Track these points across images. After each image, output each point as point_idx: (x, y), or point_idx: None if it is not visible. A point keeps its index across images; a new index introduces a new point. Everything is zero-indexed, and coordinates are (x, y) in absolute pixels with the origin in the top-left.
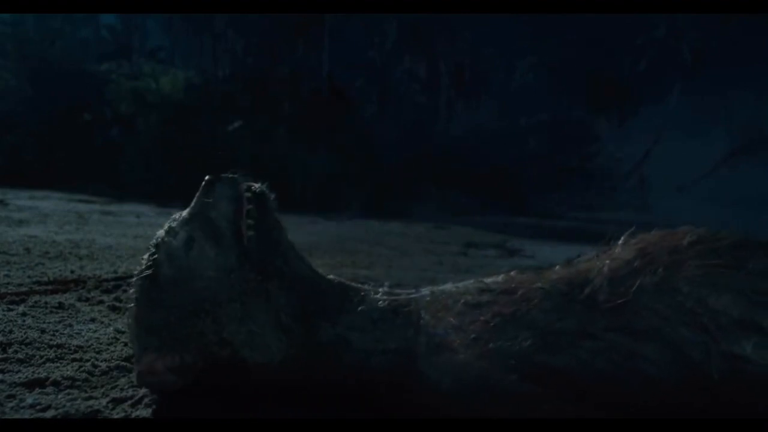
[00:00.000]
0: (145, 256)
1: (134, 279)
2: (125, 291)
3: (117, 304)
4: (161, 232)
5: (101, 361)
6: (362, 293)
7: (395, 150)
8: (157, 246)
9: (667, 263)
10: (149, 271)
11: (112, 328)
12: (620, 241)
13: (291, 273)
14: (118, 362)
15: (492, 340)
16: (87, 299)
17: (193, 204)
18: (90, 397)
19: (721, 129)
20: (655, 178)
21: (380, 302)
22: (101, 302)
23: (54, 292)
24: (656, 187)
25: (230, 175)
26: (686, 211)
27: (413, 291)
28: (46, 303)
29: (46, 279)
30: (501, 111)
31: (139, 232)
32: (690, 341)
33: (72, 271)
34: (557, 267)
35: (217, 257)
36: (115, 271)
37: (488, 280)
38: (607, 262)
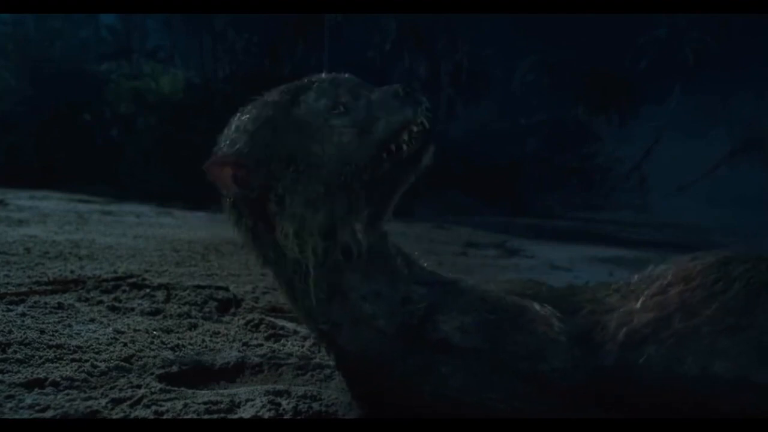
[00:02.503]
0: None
1: (275, 93)
2: (125, 291)
3: (116, 304)
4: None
5: (100, 362)
6: None
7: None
8: (309, 86)
9: (678, 329)
10: (289, 98)
11: (111, 329)
12: (640, 300)
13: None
14: (117, 362)
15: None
16: (86, 299)
17: (375, 91)
18: (89, 398)
19: (721, 129)
20: (655, 178)
21: None
22: (101, 302)
23: (53, 292)
24: (656, 187)
25: (423, 99)
26: (686, 211)
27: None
28: (45, 303)
29: (45, 279)
30: (501, 111)
31: (139, 232)
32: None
33: (72, 271)
34: (579, 313)
35: (349, 143)
36: (115, 271)
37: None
38: (624, 329)
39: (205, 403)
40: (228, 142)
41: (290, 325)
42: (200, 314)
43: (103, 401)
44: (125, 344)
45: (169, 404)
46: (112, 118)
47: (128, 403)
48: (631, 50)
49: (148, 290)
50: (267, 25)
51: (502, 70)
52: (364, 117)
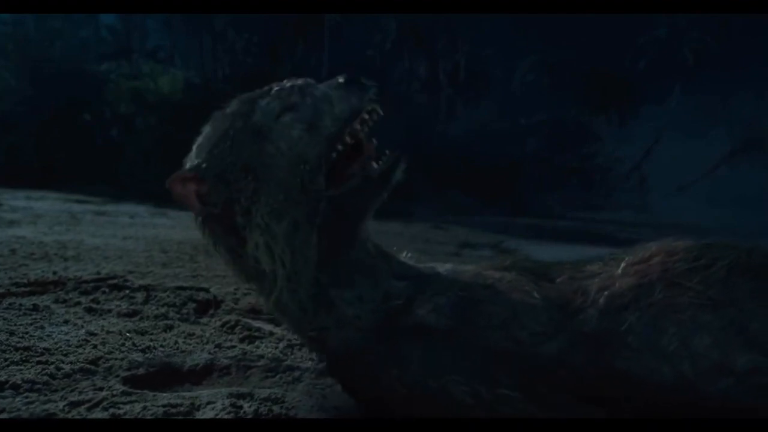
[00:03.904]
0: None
1: (235, 103)
2: (104, 293)
3: (94, 306)
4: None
5: (66, 364)
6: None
7: (395, 150)
8: (265, 94)
9: (659, 299)
10: (247, 107)
11: (84, 330)
12: (621, 266)
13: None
14: (83, 365)
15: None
16: (64, 301)
17: (319, 85)
18: (48, 401)
19: (721, 129)
20: (655, 177)
21: None
22: (78, 304)
23: (31, 293)
24: (656, 187)
25: (372, 85)
26: (686, 211)
27: None
28: (20, 305)
29: (25, 281)
30: (501, 111)
31: (130, 233)
32: (667, 385)
33: (54, 273)
34: (558, 279)
35: (300, 139)
36: (98, 273)
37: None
38: (605, 293)
39: (164, 406)
40: (190, 158)
41: (267, 327)
42: (177, 316)
43: (61, 404)
44: (95, 346)
45: (127, 407)
46: (111, 118)
47: (86, 405)
48: (631, 50)
49: (127, 291)
50: (267, 25)
51: (502, 70)
52: (312, 112)
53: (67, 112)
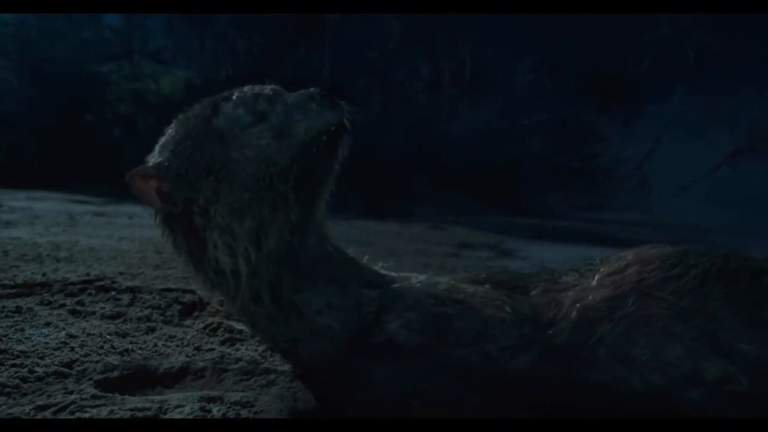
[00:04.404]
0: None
1: (197, 106)
2: (90, 294)
3: (78, 307)
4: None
5: (40, 367)
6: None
7: (397, 149)
8: (229, 98)
9: (632, 310)
10: (209, 110)
11: (64, 333)
12: (596, 277)
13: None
14: (57, 368)
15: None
16: (49, 303)
17: (291, 95)
18: (16, 404)
19: (725, 128)
20: (657, 177)
21: None
22: (62, 306)
23: (17, 295)
24: (658, 187)
25: (343, 104)
26: (688, 211)
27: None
28: (3, 307)
29: (11, 282)
30: (503, 111)
31: (126, 234)
32: (639, 395)
33: (44, 274)
34: (533, 291)
35: (268, 146)
36: (88, 274)
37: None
38: (578, 305)
39: (131, 410)
40: (152, 156)
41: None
42: (161, 318)
43: (28, 408)
44: (73, 349)
45: (94, 411)
46: (113, 118)
47: (53, 409)
48: (633, 50)
49: (114, 293)
50: (268, 26)
51: (504, 70)
52: (282, 120)
53: (68, 113)
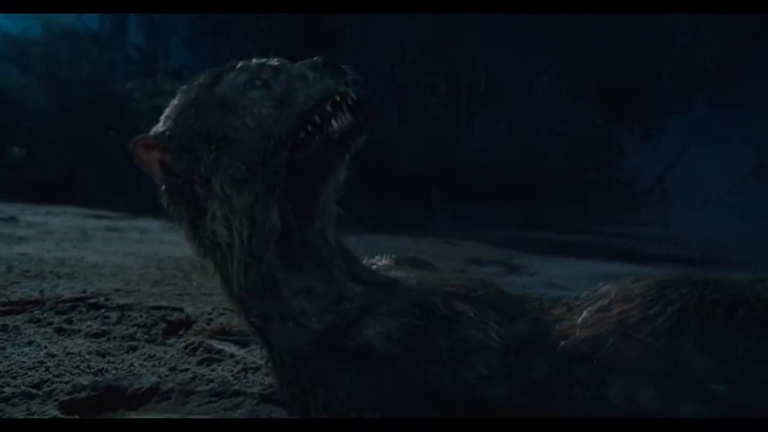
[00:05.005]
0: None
1: (201, 76)
2: (81, 312)
3: (65, 326)
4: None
5: (11, 387)
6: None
7: (413, 163)
8: (232, 67)
9: (611, 352)
10: (211, 78)
11: (44, 352)
12: (583, 315)
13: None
14: (26, 388)
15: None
16: (38, 321)
17: (296, 64)
18: None
19: (749, 141)
20: (680, 191)
21: None
22: (50, 324)
23: (8, 313)
24: (680, 201)
25: (346, 69)
26: (711, 226)
27: None
28: None
29: (7, 300)
30: (521, 124)
31: (132, 250)
32: None
33: (41, 291)
34: (522, 319)
35: (268, 116)
36: (84, 291)
37: None
38: (561, 343)
39: None
40: (156, 127)
41: (230, 349)
42: (145, 336)
43: None
44: (48, 368)
45: None
46: (134, 134)
47: None
48: (652, 61)
49: (103, 311)
50: (286, 42)
51: (522, 83)
52: (284, 90)
53: (92, 129)
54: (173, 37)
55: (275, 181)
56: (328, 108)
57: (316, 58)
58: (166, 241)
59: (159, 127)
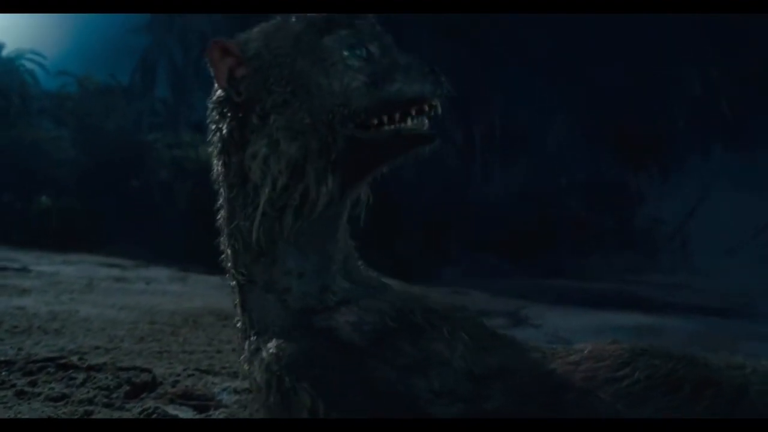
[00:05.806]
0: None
1: (313, 16)
2: (48, 373)
3: (27, 388)
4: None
5: None
6: None
7: (429, 212)
8: (350, 24)
9: (568, 399)
10: (324, 24)
11: None
12: (555, 362)
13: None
14: None
15: None
16: (2, 383)
17: (404, 56)
18: None
19: None
20: (702, 238)
21: None
22: (13, 386)
23: None
24: (703, 249)
25: (445, 83)
26: (735, 274)
27: None
28: None
29: None
30: (537, 171)
31: (129, 302)
32: None
33: (20, 349)
34: (490, 352)
35: (356, 89)
36: (62, 349)
37: None
38: (523, 384)
39: None
40: (244, 35)
41: (186, 415)
42: (105, 400)
43: None
44: None
45: None
46: (154, 184)
47: None
48: (666, 108)
49: (71, 371)
50: None
51: (537, 130)
52: (383, 72)
53: (116, 178)
54: (198, 91)
55: (330, 148)
56: (413, 111)
57: (425, 62)
58: (168, 292)
59: (248, 38)
